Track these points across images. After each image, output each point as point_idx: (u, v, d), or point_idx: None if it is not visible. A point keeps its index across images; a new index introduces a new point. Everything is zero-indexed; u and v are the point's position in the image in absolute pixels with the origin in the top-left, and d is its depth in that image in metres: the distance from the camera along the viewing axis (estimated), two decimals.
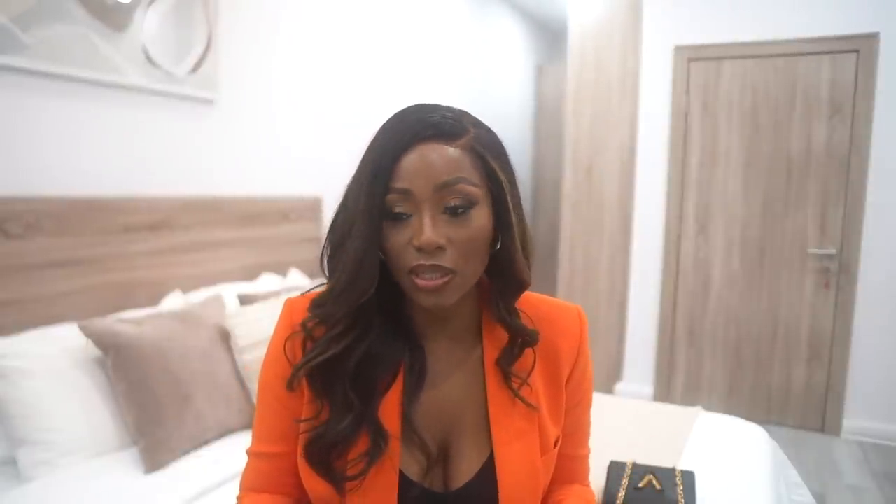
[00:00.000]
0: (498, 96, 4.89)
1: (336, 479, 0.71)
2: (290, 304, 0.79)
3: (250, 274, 2.56)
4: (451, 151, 0.68)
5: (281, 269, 2.69)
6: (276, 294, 2.20)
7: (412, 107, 0.72)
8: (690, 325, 3.69)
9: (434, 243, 0.66)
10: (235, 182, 2.54)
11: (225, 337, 1.91)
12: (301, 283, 2.61)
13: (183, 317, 1.85)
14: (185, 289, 2.22)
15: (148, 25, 2.08)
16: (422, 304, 0.70)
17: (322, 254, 0.75)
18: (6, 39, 1.69)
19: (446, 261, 0.67)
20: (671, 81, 3.59)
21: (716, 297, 3.61)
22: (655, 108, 3.65)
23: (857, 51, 3.21)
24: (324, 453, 0.71)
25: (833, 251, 3.32)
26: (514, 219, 0.72)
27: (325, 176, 3.01)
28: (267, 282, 2.52)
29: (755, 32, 3.40)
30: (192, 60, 2.27)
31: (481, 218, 0.69)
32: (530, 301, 0.81)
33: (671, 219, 3.66)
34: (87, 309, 1.88)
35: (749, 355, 3.56)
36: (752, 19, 3.40)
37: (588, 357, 0.84)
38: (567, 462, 0.85)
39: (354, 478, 0.70)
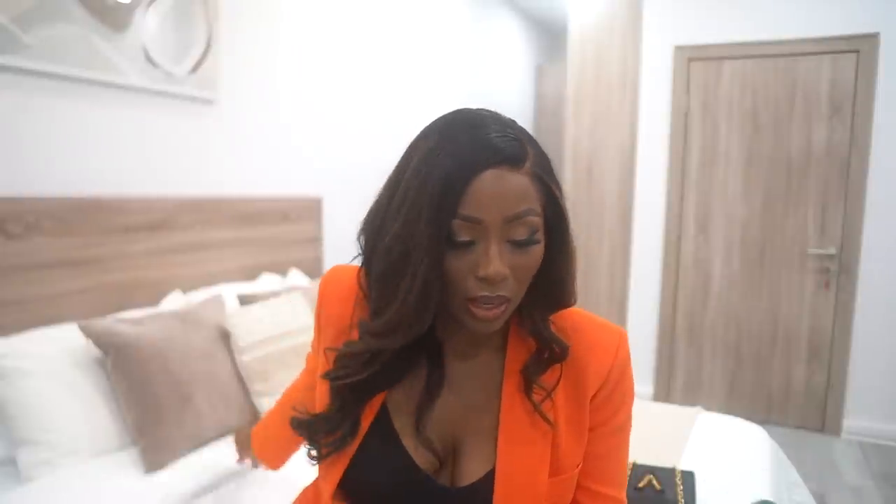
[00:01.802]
0: (498, 96, 4.89)
1: (314, 447, 0.77)
2: (325, 280, 0.83)
3: (250, 274, 2.56)
4: (520, 180, 0.65)
5: (281, 269, 2.69)
6: (275, 294, 2.20)
7: (461, 115, 0.68)
8: (690, 325, 3.69)
9: (502, 275, 0.64)
10: (235, 182, 2.54)
11: (225, 337, 1.91)
12: (301, 283, 2.61)
13: (183, 317, 1.85)
14: (185, 289, 2.22)
15: (148, 25, 2.08)
16: (471, 328, 0.69)
17: (364, 271, 0.73)
18: (6, 39, 1.69)
19: (507, 290, 0.66)
20: (671, 81, 3.59)
21: (716, 297, 3.61)
22: (655, 108, 3.65)
23: (857, 51, 3.21)
24: (306, 433, 0.77)
25: (833, 251, 3.32)
26: (569, 243, 0.71)
27: (325, 176, 3.01)
28: (267, 282, 2.52)
29: (755, 32, 3.40)
30: (192, 60, 2.26)
31: (540, 246, 0.68)
32: (572, 316, 0.78)
33: (671, 219, 3.66)
34: (87, 309, 1.88)
35: (749, 355, 3.56)
36: (752, 19, 3.41)
37: (619, 381, 0.77)
38: (586, 498, 0.78)
39: (316, 460, 0.78)
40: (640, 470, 1.53)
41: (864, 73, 3.20)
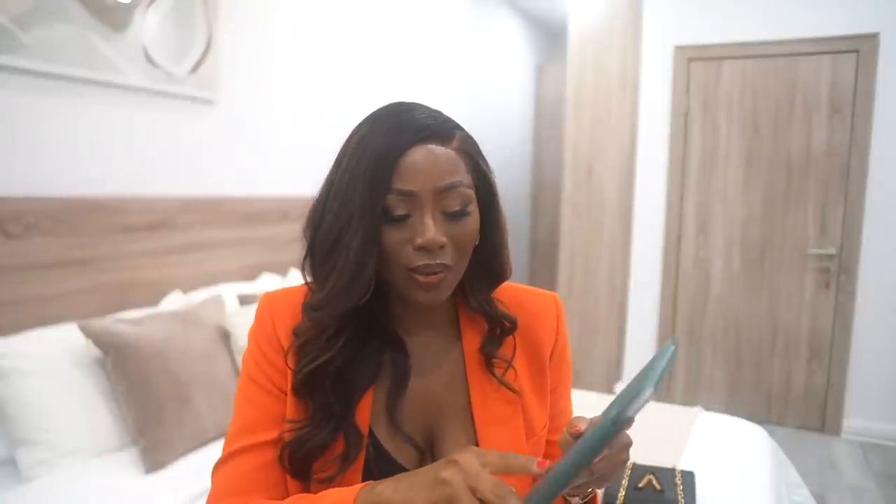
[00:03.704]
0: (498, 96, 4.88)
1: (309, 479, 0.72)
2: (268, 298, 0.81)
3: (250, 274, 2.55)
4: (448, 153, 0.69)
5: (281, 269, 2.69)
6: None
7: (391, 106, 0.73)
8: (690, 326, 3.69)
9: (438, 243, 0.67)
10: (235, 182, 2.54)
11: (225, 337, 1.92)
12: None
13: (183, 317, 1.85)
14: (185, 289, 2.22)
15: (148, 25, 2.08)
16: (417, 300, 0.71)
17: (306, 256, 0.74)
18: (6, 39, 1.69)
19: (447, 258, 0.69)
20: (671, 81, 3.59)
21: (716, 297, 3.61)
22: (655, 108, 3.65)
23: (857, 51, 3.21)
24: (304, 461, 0.71)
25: (833, 251, 3.32)
26: (502, 216, 0.76)
27: (325, 176, 3.00)
28: (267, 282, 2.52)
29: (755, 32, 3.40)
30: (192, 60, 2.26)
31: (474, 217, 0.71)
32: (507, 290, 0.83)
33: (671, 219, 3.66)
34: (87, 309, 1.88)
35: (749, 355, 3.56)
36: (752, 19, 3.40)
37: (566, 341, 0.86)
38: (549, 449, 0.85)
39: (327, 480, 0.70)
40: (640, 470, 1.52)
41: (864, 73, 3.20)
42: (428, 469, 0.58)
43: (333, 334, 0.71)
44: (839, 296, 3.33)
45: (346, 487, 0.64)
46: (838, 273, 3.32)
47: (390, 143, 0.67)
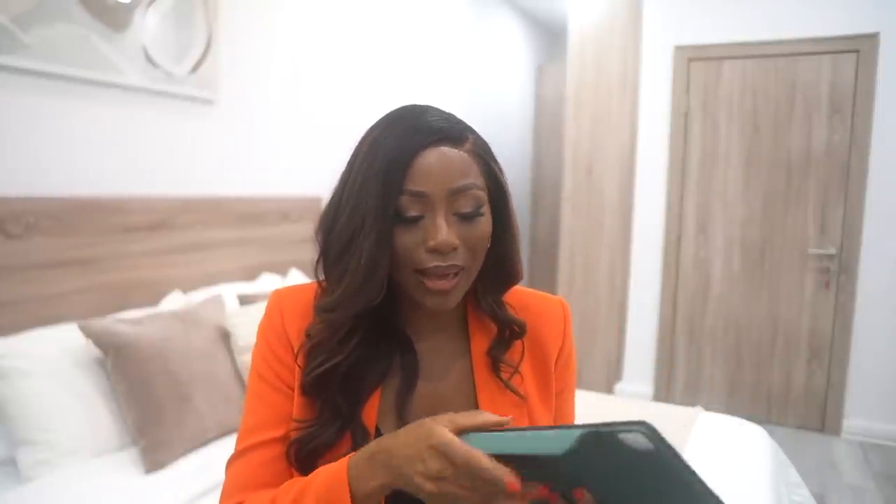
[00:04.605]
0: (498, 96, 4.88)
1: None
2: (278, 294, 0.81)
3: (250, 274, 2.55)
4: (461, 155, 0.69)
5: (281, 269, 2.69)
6: None
7: (405, 108, 0.73)
8: (690, 326, 3.69)
9: (451, 245, 0.67)
10: (235, 182, 2.54)
11: (225, 337, 1.92)
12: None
13: (183, 317, 1.85)
14: (185, 289, 2.22)
15: (148, 25, 2.08)
16: (427, 305, 0.71)
17: (319, 257, 0.74)
18: (6, 39, 1.69)
19: (459, 259, 0.69)
20: (671, 81, 3.59)
21: (716, 297, 3.61)
22: (655, 108, 3.65)
23: (857, 51, 3.21)
24: (309, 458, 0.72)
25: (833, 251, 3.32)
26: (514, 219, 0.76)
27: (325, 176, 3.00)
28: (267, 282, 2.52)
29: (755, 32, 3.40)
30: (191, 60, 2.26)
31: (486, 219, 0.71)
32: (515, 294, 0.83)
33: (671, 219, 3.66)
34: (87, 309, 1.88)
35: (749, 355, 3.56)
36: (751, 19, 3.41)
37: (572, 346, 0.86)
38: None
39: None
40: None
41: (864, 73, 3.20)
42: (413, 442, 0.59)
43: (345, 336, 0.71)
44: (839, 296, 3.33)
45: (332, 463, 0.66)
46: (838, 273, 3.32)
47: (403, 145, 0.67)
